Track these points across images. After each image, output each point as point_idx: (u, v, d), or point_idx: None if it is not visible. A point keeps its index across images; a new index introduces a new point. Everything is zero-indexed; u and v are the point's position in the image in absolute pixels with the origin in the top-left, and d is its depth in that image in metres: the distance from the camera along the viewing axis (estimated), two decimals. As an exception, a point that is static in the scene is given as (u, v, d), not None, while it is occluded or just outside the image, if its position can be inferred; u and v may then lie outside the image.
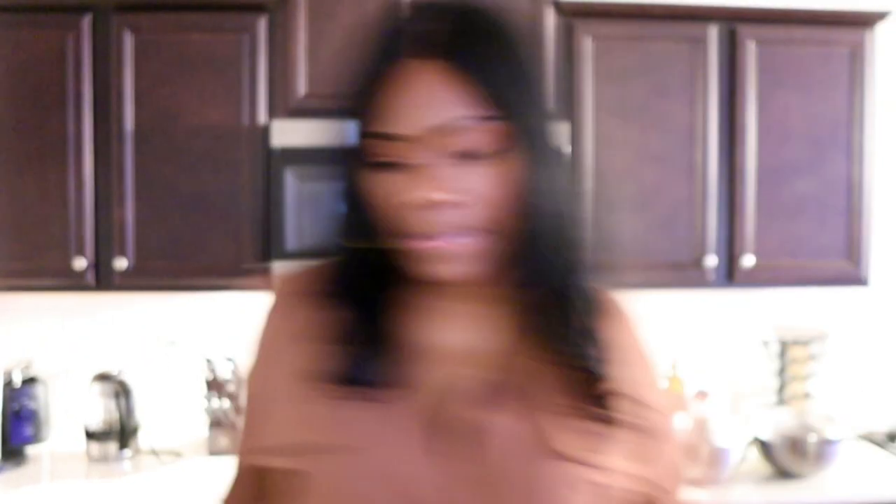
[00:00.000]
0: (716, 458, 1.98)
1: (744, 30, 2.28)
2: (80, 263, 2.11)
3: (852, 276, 2.33)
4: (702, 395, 2.48)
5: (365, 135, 0.68)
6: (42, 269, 2.13)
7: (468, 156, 0.67)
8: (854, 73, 2.31)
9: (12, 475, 2.15)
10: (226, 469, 0.92)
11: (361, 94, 0.69)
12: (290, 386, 0.76)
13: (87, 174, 2.12)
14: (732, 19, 2.28)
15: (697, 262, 2.27)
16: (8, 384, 2.22)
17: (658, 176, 2.26)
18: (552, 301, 0.74)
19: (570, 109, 2.23)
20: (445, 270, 0.70)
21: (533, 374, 0.75)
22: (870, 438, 2.46)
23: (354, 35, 0.73)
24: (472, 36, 0.67)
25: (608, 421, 0.74)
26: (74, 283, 2.14)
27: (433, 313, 0.77)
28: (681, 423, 2.17)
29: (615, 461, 0.75)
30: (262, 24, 2.14)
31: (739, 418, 2.27)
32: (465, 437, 0.72)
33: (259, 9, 2.14)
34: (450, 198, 0.67)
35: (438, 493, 0.71)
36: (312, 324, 0.77)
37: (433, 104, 0.66)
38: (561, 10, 2.23)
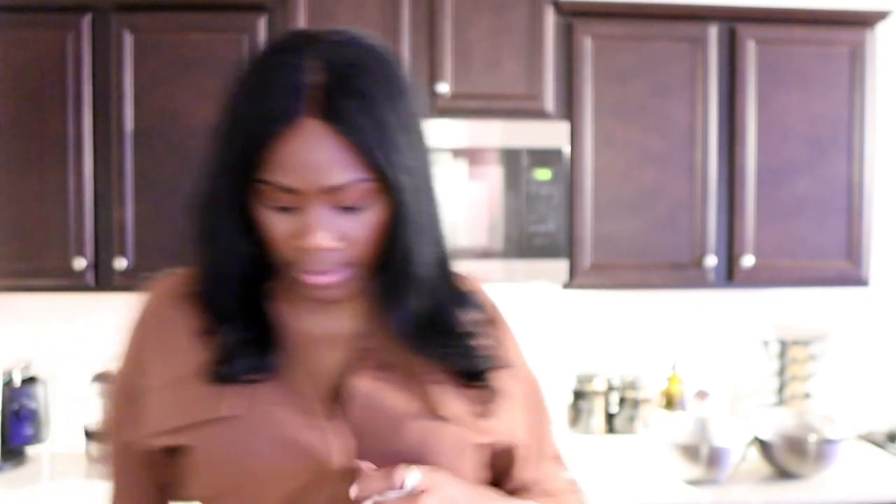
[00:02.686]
0: (716, 458, 1.98)
1: (744, 30, 2.28)
2: (80, 263, 2.11)
3: (852, 276, 2.34)
4: (702, 395, 2.48)
5: (263, 182, 0.78)
6: (42, 269, 2.13)
7: (347, 208, 0.79)
8: (854, 73, 2.32)
9: (12, 475, 2.15)
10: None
11: (259, 143, 0.77)
12: (170, 376, 0.85)
13: (87, 174, 2.12)
14: (732, 19, 2.29)
15: (697, 262, 2.28)
16: (8, 384, 2.22)
17: (658, 176, 2.26)
18: (416, 298, 0.86)
19: (570, 109, 2.23)
20: (327, 296, 0.84)
21: (409, 353, 0.87)
22: (870, 438, 2.46)
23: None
24: (353, 100, 0.76)
25: (483, 387, 0.87)
26: (74, 283, 2.14)
27: (309, 305, 0.88)
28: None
29: (493, 423, 0.87)
30: (261, 24, 2.14)
31: (739, 418, 2.27)
32: (354, 404, 0.83)
33: (259, 9, 2.14)
34: (334, 245, 0.79)
35: (330, 450, 0.80)
36: (190, 319, 0.86)
37: (324, 166, 0.76)
38: (561, 10, 2.23)
